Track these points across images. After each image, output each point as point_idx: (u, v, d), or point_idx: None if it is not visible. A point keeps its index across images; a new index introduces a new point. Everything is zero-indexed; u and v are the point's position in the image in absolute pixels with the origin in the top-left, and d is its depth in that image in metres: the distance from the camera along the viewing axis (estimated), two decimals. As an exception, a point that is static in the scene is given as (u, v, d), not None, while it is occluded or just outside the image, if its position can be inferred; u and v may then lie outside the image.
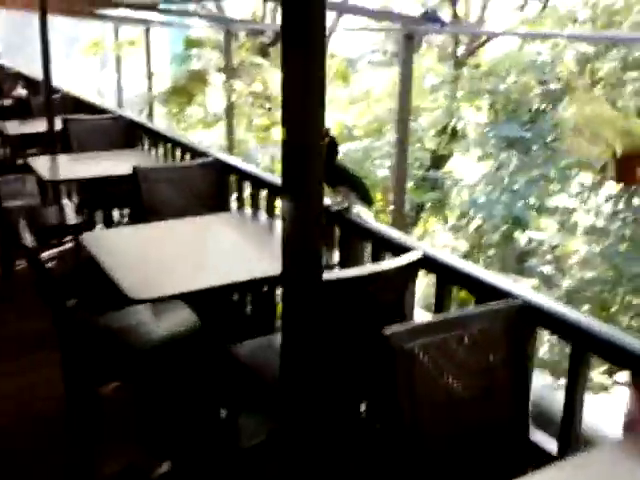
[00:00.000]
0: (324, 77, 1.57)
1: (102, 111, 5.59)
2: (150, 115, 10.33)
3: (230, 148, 9.04)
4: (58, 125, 4.84)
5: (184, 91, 8.89)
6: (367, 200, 2.74)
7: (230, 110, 9.06)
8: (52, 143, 4.75)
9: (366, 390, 2.37)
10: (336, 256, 2.77)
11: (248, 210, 3.46)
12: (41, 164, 4.22)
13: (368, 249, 2.62)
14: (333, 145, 2.68)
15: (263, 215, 3.24)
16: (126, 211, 4.84)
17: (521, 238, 6.95)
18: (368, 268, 2.33)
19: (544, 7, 9.95)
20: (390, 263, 2.19)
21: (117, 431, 2.83)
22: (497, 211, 6.65)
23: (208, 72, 8.35)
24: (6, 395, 3.08)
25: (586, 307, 5.93)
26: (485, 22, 10.19)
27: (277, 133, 9.46)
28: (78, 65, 13.77)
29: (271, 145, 9.69)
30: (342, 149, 9.81)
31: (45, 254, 2.43)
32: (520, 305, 1.89)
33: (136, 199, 3.49)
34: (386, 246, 2.51)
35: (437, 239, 8.20)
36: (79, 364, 2.58)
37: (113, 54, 11.02)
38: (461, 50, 10.19)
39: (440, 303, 2.23)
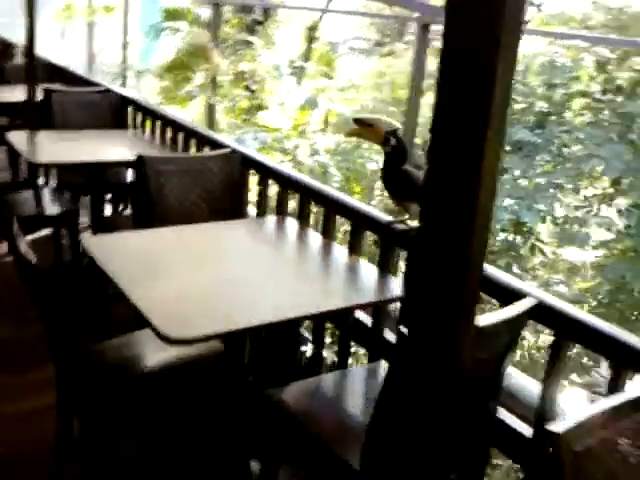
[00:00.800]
0: (510, 89, 1.09)
1: (88, 83, 4.96)
2: (123, 87, 9.65)
3: (210, 129, 8.47)
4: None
5: (183, 66, 8.22)
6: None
7: (213, 89, 8.49)
8: (32, 116, 4.13)
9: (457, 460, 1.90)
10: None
11: (272, 217, 2.94)
12: (19, 139, 3.62)
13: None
14: (400, 149, 2.20)
15: (295, 225, 2.72)
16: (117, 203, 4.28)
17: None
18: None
19: (539, 11, 9.64)
20: (499, 314, 1.72)
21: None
22: (502, 216, 6.26)
23: (211, 48, 7.70)
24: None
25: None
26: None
27: (263, 116, 8.93)
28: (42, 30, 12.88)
29: (252, 130, 9.14)
30: (333, 140, 9.38)
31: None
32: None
33: (141, 193, 2.94)
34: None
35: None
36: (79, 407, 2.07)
37: (83, 20, 10.30)
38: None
39: (553, 364, 1.78)
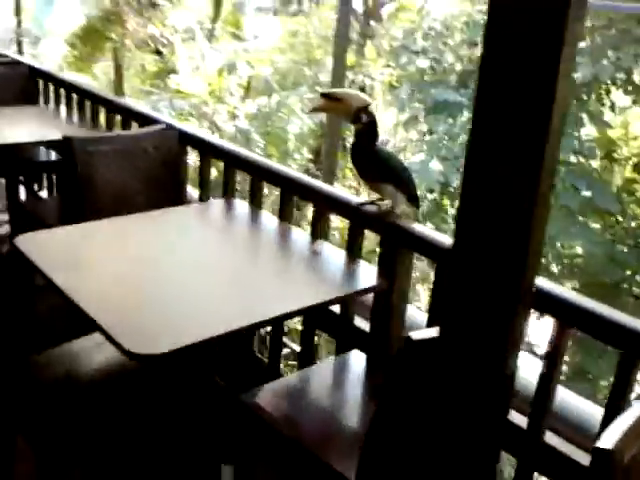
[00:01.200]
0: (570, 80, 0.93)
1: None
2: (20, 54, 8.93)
3: (117, 95, 7.97)
4: None
5: (97, 34, 7.61)
6: (415, 201, 2.10)
7: (119, 53, 7.98)
8: None
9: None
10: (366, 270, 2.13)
11: (218, 200, 2.71)
12: None
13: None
14: (371, 126, 2.02)
15: (245, 208, 2.50)
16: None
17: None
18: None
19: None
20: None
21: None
22: (431, 177, 6.22)
23: (126, 12, 7.15)
24: None
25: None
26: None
27: (176, 81, 8.46)
28: None
29: (167, 97, 8.68)
30: (252, 104, 9.05)
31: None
32: None
33: (69, 179, 2.65)
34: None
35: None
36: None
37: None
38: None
39: (556, 351, 1.68)
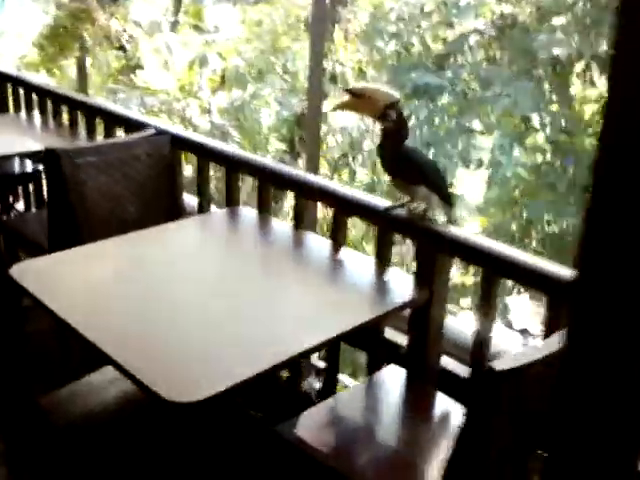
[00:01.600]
0: None
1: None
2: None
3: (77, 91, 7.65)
4: None
5: (66, 33, 7.22)
6: (449, 201, 1.93)
7: (86, 51, 7.65)
8: None
9: None
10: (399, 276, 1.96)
11: (222, 210, 2.49)
12: None
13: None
14: (400, 124, 1.84)
15: (254, 216, 2.30)
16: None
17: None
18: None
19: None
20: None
21: None
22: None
23: (96, 8, 6.79)
24: None
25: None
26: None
27: (143, 77, 8.14)
28: None
29: (136, 94, 8.36)
30: (229, 98, 8.76)
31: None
32: None
33: (58, 196, 2.42)
34: (507, 271, 1.76)
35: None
36: None
37: None
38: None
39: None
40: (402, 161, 1.85)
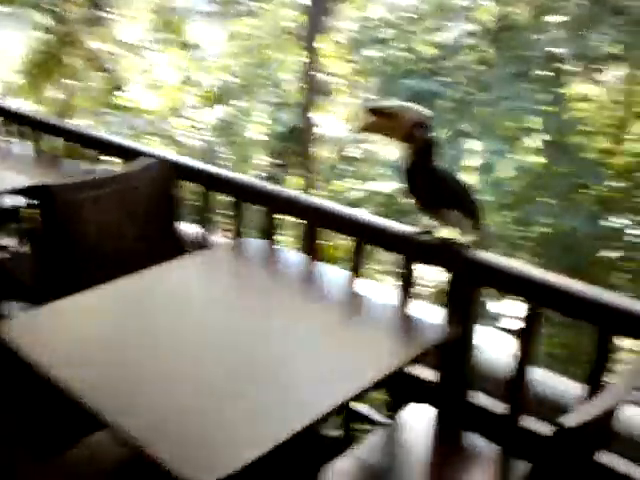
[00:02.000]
0: None
1: None
2: None
3: (62, 116, 7.47)
4: None
5: (53, 59, 6.99)
6: (480, 226, 1.77)
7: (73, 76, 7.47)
8: None
9: None
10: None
11: (235, 243, 2.32)
12: None
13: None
14: (429, 144, 1.68)
15: (265, 248, 2.13)
16: None
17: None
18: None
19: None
20: None
21: None
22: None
23: (79, 33, 6.58)
24: None
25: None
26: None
27: (129, 98, 7.96)
28: None
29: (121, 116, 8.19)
30: (213, 114, 8.60)
31: None
32: None
33: (51, 234, 2.26)
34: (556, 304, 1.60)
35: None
36: None
37: None
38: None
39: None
40: (433, 184, 1.69)
